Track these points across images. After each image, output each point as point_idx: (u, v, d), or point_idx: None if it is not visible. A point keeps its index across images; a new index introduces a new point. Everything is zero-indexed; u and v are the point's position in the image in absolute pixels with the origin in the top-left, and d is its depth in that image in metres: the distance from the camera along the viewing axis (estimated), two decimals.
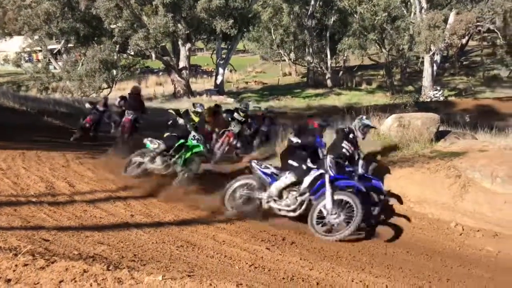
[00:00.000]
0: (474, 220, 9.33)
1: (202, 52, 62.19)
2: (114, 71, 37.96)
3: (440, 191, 9.97)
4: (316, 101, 40.25)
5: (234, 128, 15.76)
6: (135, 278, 4.16)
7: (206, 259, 6.12)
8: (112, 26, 35.68)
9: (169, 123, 12.68)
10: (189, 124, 11.92)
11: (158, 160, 11.28)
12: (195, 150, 11.50)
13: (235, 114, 16.19)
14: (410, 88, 44.63)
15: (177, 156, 11.37)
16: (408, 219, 9.86)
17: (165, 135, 11.73)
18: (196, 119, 13.39)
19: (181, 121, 12.22)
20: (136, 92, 16.83)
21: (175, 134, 11.65)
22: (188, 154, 11.42)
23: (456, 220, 9.52)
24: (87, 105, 17.59)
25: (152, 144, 11.42)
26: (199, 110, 13.72)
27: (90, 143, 16.01)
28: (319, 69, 49.93)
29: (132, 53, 40.87)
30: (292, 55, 52.23)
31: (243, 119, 16.24)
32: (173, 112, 12.55)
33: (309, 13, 47.13)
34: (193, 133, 11.64)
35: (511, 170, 9.78)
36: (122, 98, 17.63)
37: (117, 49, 37.51)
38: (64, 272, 4.27)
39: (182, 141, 11.47)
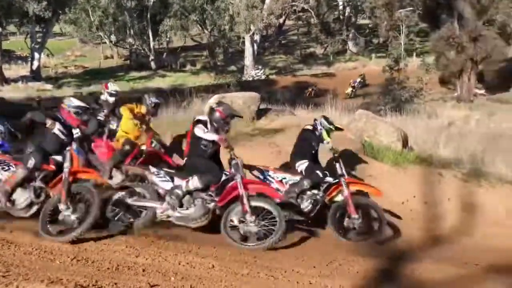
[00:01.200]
0: None
1: (15, 37, 58.09)
2: None
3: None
4: (140, 83, 39.68)
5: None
6: None
7: (24, 256, 5.78)
8: None
9: None
10: None
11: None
12: None
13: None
14: (233, 68, 45.63)
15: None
16: None
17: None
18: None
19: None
20: None
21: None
22: None
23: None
24: None
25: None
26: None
27: None
28: (142, 51, 49.20)
29: None
30: (113, 37, 50.72)
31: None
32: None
33: None
34: None
35: None
36: None
37: None
38: None
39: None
